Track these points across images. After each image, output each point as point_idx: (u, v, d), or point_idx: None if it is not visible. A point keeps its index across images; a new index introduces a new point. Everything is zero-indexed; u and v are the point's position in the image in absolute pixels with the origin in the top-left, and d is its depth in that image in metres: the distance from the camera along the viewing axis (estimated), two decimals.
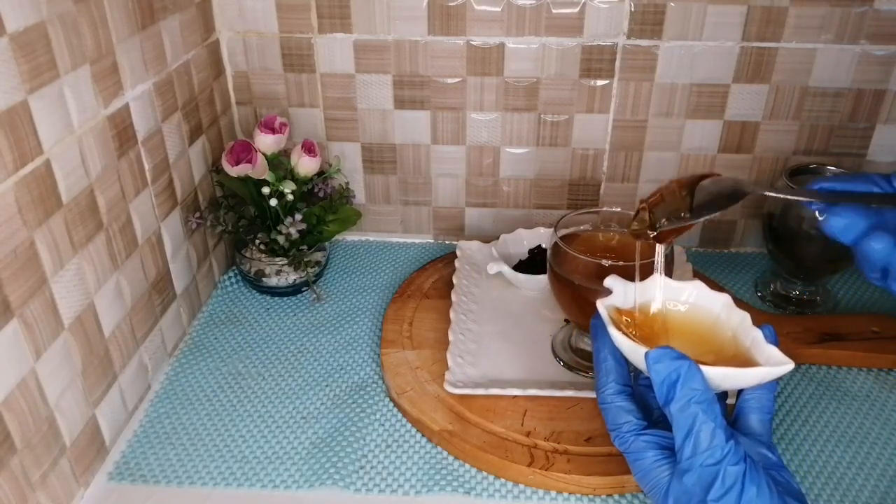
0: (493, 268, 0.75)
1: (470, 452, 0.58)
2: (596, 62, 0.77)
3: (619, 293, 0.52)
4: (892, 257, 0.45)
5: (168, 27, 0.66)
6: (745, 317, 0.49)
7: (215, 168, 0.78)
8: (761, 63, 0.76)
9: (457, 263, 0.78)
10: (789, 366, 0.44)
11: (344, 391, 0.66)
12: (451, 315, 0.70)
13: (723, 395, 0.49)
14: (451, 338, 0.67)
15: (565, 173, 0.84)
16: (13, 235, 0.47)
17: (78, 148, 0.53)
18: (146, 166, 0.64)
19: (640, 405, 0.49)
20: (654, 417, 0.49)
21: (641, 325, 0.51)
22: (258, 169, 0.72)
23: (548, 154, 0.83)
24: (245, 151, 0.71)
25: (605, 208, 0.67)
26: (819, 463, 0.59)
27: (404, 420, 0.63)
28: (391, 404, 0.65)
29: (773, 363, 0.45)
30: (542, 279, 0.68)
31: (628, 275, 0.59)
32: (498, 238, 0.80)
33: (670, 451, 0.45)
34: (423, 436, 0.61)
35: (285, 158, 0.77)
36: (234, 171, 0.71)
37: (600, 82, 0.78)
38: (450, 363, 0.65)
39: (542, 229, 0.81)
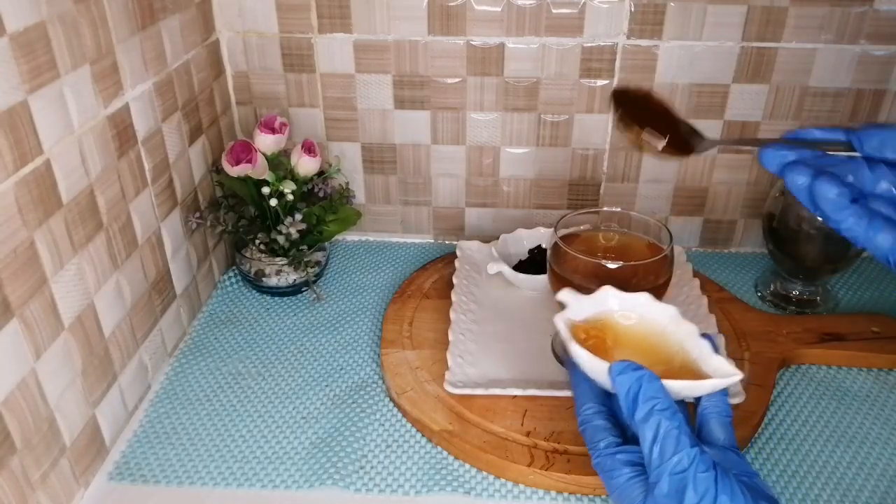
0: (493, 268, 0.75)
1: (470, 452, 0.58)
2: (596, 62, 0.77)
3: (573, 306, 0.53)
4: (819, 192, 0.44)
5: (168, 27, 0.66)
6: (692, 329, 0.51)
7: (215, 168, 0.78)
8: (761, 63, 0.76)
9: (457, 263, 0.78)
10: (738, 376, 0.46)
11: (344, 391, 0.66)
12: (451, 315, 0.70)
13: (683, 404, 0.50)
14: (451, 338, 0.67)
15: (565, 173, 0.84)
16: (13, 235, 0.47)
17: (78, 148, 0.53)
18: (146, 166, 0.64)
19: (617, 425, 0.49)
20: (628, 435, 0.49)
21: (595, 338, 0.52)
22: (258, 169, 0.72)
23: (548, 154, 0.83)
24: (245, 151, 0.71)
25: (605, 208, 0.67)
26: (819, 463, 0.59)
27: (404, 420, 0.63)
28: (391, 404, 0.65)
29: (722, 374, 0.47)
30: (542, 279, 0.68)
31: (629, 274, 0.59)
32: (498, 238, 0.80)
33: (644, 468, 0.45)
34: (423, 436, 0.61)
35: (285, 158, 0.77)
36: (234, 171, 0.71)
37: (600, 82, 0.78)
38: (450, 363, 0.65)
39: (542, 229, 0.81)
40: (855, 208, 0.43)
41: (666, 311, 0.52)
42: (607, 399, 0.50)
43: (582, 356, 0.48)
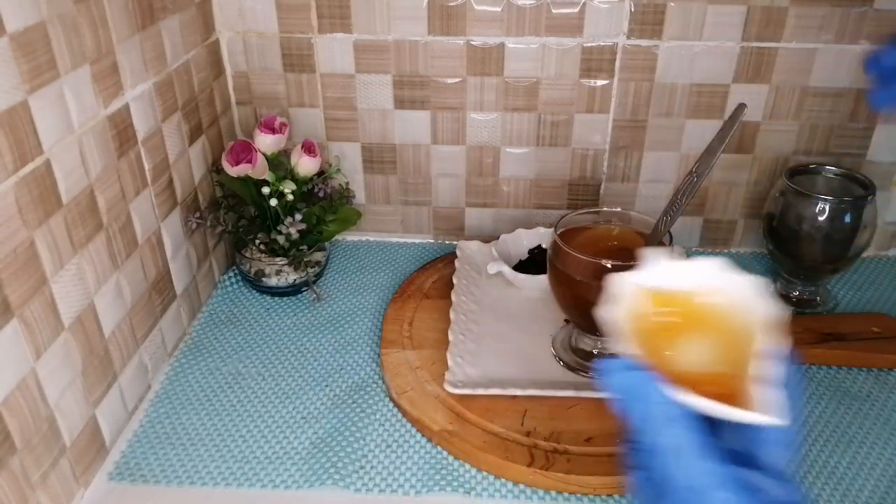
0: (493, 268, 0.75)
1: (470, 452, 0.58)
2: (596, 62, 0.77)
3: (650, 270, 0.40)
4: None
5: (168, 27, 0.66)
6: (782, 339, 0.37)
7: (215, 168, 0.78)
8: (761, 63, 0.76)
9: (457, 263, 0.78)
10: (775, 420, 0.35)
11: (344, 391, 0.66)
12: (451, 315, 0.70)
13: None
14: (451, 338, 0.67)
15: (565, 173, 0.84)
16: (13, 235, 0.47)
17: (78, 148, 0.53)
18: (146, 166, 0.64)
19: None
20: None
21: (666, 317, 0.39)
22: (258, 169, 0.72)
23: (548, 154, 0.83)
24: (245, 151, 0.71)
25: (605, 208, 0.67)
26: (819, 463, 0.59)
27: (404, 420, 0.63)
28: (391, 404, 0.65)
29: (761, 409, 0.35)
30: (542, 279, 0.68)
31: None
32: (498, 238, 0.80)
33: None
34: (423, 436, 0.61)
35: (285, 158, 0.77)
36: (234, 171, 0.71)
37: (600, 82, 0.78)
38: (450, 363, 0.65)
39: (542, 229, 0.81)
40: None
41: (761, 301, 0.38)
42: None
43: (700, 404, 0.35)
